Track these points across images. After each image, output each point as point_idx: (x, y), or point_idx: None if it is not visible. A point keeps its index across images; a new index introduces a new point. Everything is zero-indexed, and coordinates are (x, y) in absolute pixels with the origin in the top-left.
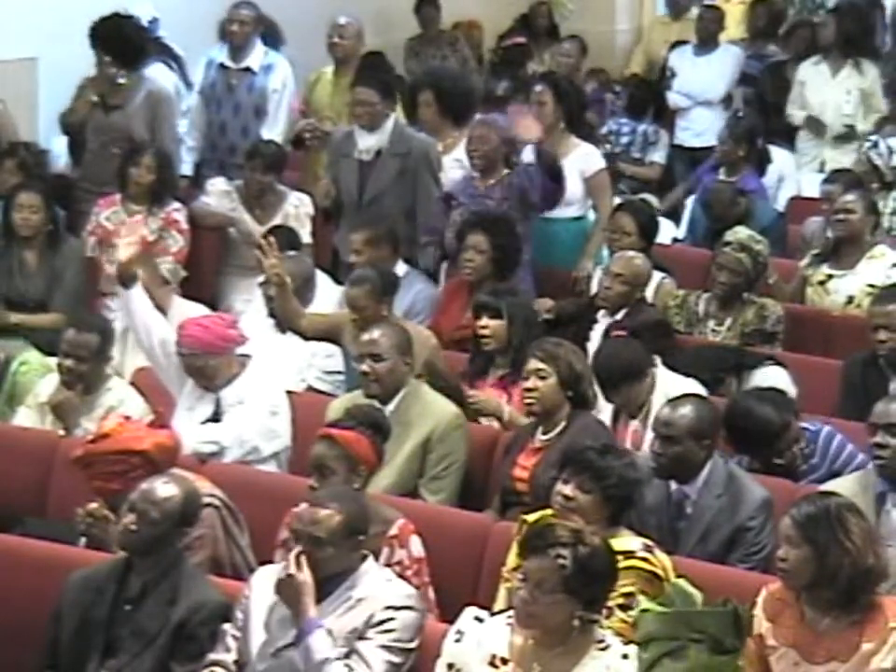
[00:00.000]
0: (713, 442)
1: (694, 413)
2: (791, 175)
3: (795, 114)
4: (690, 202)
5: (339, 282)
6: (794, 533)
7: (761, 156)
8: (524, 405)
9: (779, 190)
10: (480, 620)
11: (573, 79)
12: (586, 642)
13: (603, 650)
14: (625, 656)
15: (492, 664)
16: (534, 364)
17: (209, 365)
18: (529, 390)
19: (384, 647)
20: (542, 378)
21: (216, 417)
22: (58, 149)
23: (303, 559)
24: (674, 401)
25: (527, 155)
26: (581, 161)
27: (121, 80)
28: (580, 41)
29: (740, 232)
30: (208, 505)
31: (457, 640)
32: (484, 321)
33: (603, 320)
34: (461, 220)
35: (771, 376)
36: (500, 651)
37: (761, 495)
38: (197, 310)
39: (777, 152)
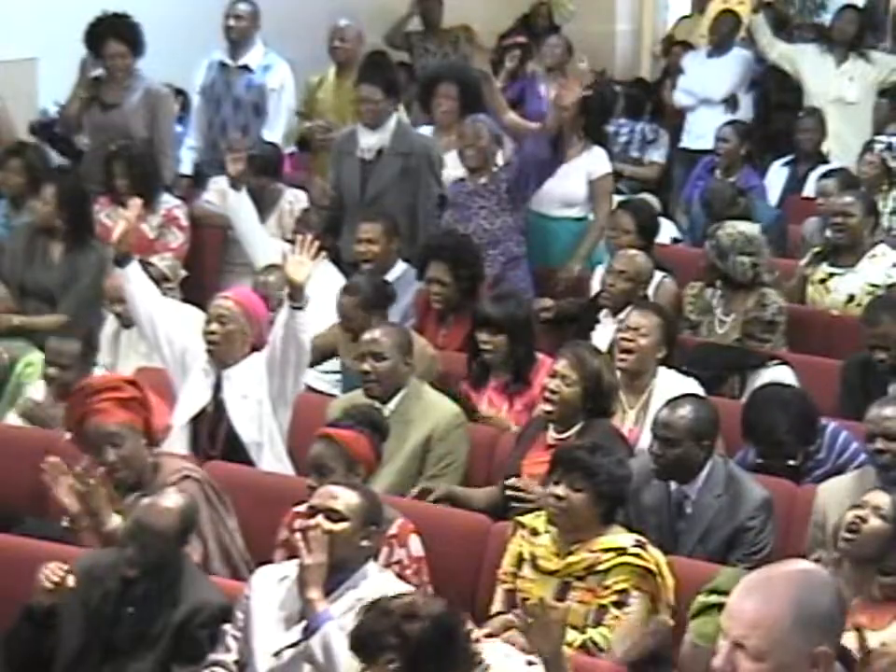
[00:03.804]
0: (713, 442)
1: (693, 414)
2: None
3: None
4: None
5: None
6: (889, 511)
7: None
8: (542, 400)
9: None
10: None
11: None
12: None
13: None
14: None
15: None
16: (562, 367)
17: (238, 326)
18: (551, 391)
19: None
20: (568, 385)
21: None
22: None
23: (318, 538)
24: (672, 402)
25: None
26: (589, 163)
27: (138, 65)
28: (565, 39)
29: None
30: (187, 477)
31: None
32: (485, 336)
33: (605, 320)
34: (423, 245)
35: (777, 377)
36: None
37: (761, 495)
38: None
39: None
